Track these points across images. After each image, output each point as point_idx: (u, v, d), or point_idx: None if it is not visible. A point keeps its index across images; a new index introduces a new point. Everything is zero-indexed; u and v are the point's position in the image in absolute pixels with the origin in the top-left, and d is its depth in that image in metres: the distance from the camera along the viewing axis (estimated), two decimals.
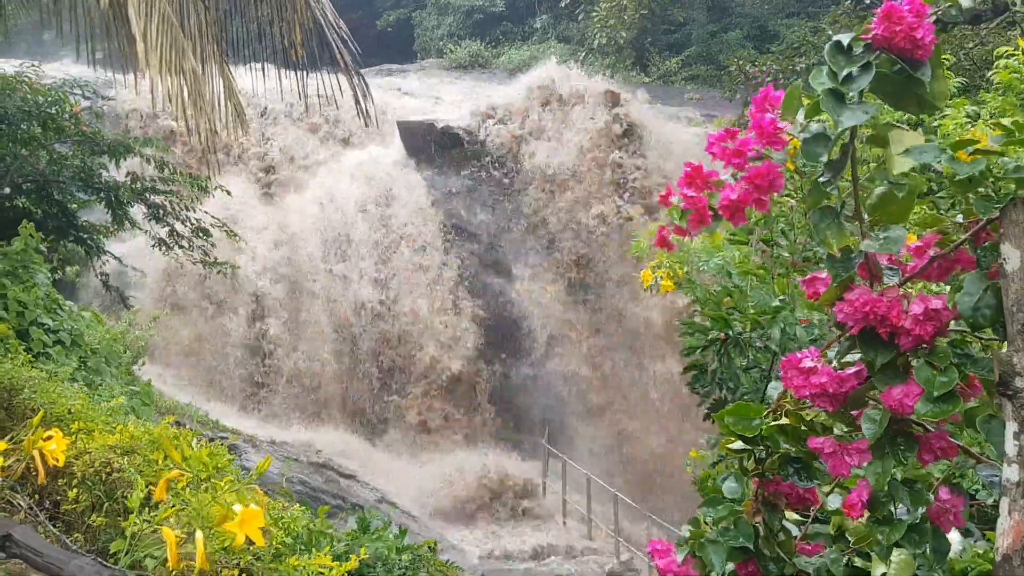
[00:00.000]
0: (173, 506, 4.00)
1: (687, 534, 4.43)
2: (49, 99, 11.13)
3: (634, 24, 31.44)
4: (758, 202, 1.55)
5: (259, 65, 11.42)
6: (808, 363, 1.51)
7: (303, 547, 4.55)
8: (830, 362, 1.55)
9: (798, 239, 3.92)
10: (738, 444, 1.73)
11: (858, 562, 1.85)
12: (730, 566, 1.91)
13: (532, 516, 17.57)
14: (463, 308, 20.41)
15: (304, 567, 3.82)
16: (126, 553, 3.11)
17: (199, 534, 2.66)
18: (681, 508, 18.02)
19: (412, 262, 20.63)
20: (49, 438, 3.19)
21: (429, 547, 5.56)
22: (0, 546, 2.86)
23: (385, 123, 22.94)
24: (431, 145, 22.25)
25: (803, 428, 1.63)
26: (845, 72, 1.50)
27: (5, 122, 10.73)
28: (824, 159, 1.46)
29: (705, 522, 1.93)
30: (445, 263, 20.70)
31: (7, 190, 11.48)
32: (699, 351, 3.38)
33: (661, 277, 5.27)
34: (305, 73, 8.88)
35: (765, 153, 1.55)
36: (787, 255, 3.93)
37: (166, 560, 3.11)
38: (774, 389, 1.73)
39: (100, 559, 3.95)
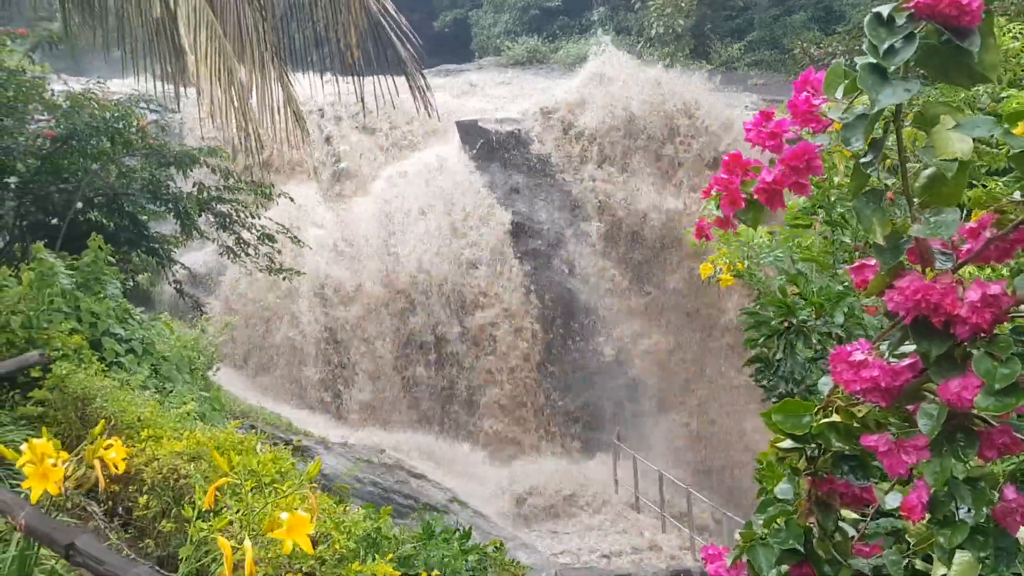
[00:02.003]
0: (238, 512, 4.05)
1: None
2: (116, 114, 11.42)
3: (692, 11, 31.01)
4: (796, 185, 1.47)
5: (316, 71, 11.56)
6: (858, 356, 1.42)
7: (366, 550, 4.56)
8: (882, 354, 1.45)
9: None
10: (788, 443, 1.65)
11: (919, 564, 1.75)
12: (783, 568, 1.83)
13: (604, 513, 17.45)
14: (529, 307, 20.38)
15: (366, 573, 3.83)
16: (184, 560, 3.15)
17: (247, 542, 2.66)
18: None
19: (476, 261, 20.66)
20: (109, 446, 3.23)
21: (495, 547, 5.53)
22: (64, 554, 2.91)
23: (444, 124, 23.05)
24: (490, 144, 22.26)
25: (855, 425, 1.53)
26: (887, 45, 1.40)
27: (75, 138, 11.05)
28: (859, 142, 1.37)
29: (757, 524, 1.85)
30: (509, 261, 20.68)
31: (80, 204, 11.84)
32: (762, 340, 3.26)
33: (721, 270, 5.15)
34: (362, 76, 8.90)
35: (802, 135, 1.47)
36: (849, 240, 3.76)
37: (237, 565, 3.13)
38: (824, 384, 1.64)
39: (159, 567, 4.02)
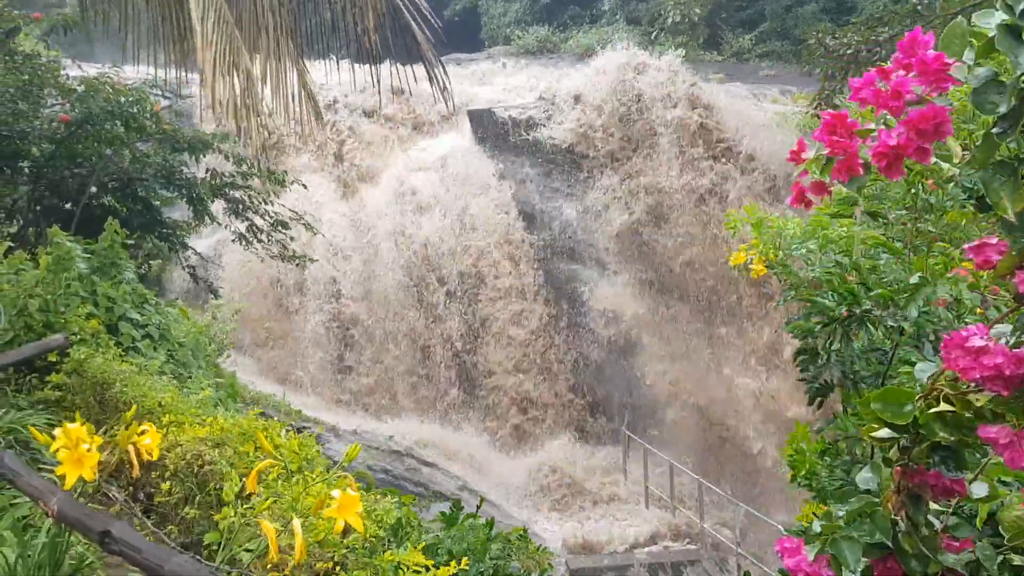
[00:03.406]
0: (266, 499, 3.99)
1: (801, 527, 4.22)
2: (130, 99, 11.34)
3: (707, 0, 30.86)
4: (919, 151, 1.37)
5: (331, 58, 11.44)
6: (977, 341, 1.34)
7: (391, 539, 4.50)
8: (999, 340, 1.37)
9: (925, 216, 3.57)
10: (884, 432, 1.57)
11: (1016, 559, 1.67)
12: (864, 562, 1.75)
13: (614, 503, 17.40)
14: (540, 295, 20.30)
15: (400, 563, 3.77)
16: (222, 547, 3.09)
17: (296, 522, 2.60)
18: (766, 494, 17.68)
19: (486, 250, 20.58)
20: (143, 432, 3.17)
21: (520, 535, 5.47)
22: (99, 542, 2.85)
23: (456, 112, 22.94)
24: (501, 133, 22.15)
25: (967, 416, 1.45)
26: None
27: (90, 122, 10.97)
28: (1003, 106, 1.28)
29: (838, 516, 1.77)
30: (520, 250, 20.59)
31: (94, 189, 11.78)
32: (820, 328, 3.17)
33: (753, 259, 5.07)
34: (379, 63, 8.81)
35: (927, 96, 1.37)
36: (932, 229, 3.62)
37: (264, 552, 3.08)
38: (922, 372, 1.56)
39: (198, 556, 3.97)
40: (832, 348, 3.13)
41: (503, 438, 19.36)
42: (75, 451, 2.97)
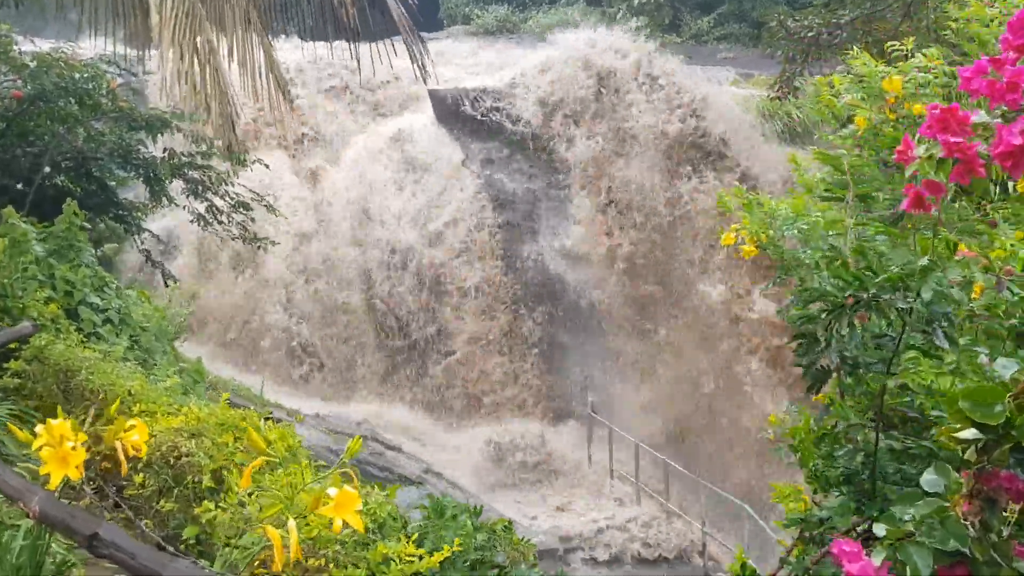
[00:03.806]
0: (250, 493, 3.83)
1: (800, 516, 4.14)
2: (85, 75, 10.96)
3: None
4: None
5: (291, 35, 11.17)
6: None
7: (376, 531, 4.38)
8: None
9: None
10: (970, 432, 1.48)
11: None
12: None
13: (578, 485, 17.43)
14: (502, 275, 20.19)
15: (391, 554, 3.65)
16: (223, 549, 2.94)
17: (292, 523, 2.47)
18: (730, 475, 17.82)
19: (449, 231, 20.40)
20: (131, 428, 3.01)
21: (504, 525, 5.38)
22: (87, 545, 2.68)
23: (418, 92, 22.64)
24: (463, 113, 21.90)
25: None
26: None
27: (43, 99, 10.59)
28: None
29: (903, 520, 1.69)
30: (484, 231, 20.43)
31: (47, 168, 11.38)
32: (824, 315, 3.09)
33: (744, 239, 5.02)
34: (356, 40, 8.58)
35: None
36: (935, 212, 3.60)
37: (263, 550, 2.94)
38: (1004, 368, 1.48)
39: (176, 552, 3.81)
40: (837, 335, 3.04)
41: (465, 419, 19.27)
42: (59, 449, 2.80)
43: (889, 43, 6.90)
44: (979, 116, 1.35)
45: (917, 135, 1.41)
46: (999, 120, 1.32)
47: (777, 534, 12.05)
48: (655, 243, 20.39)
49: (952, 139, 1.34)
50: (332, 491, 2.74)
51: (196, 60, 7.51)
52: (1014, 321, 3.65)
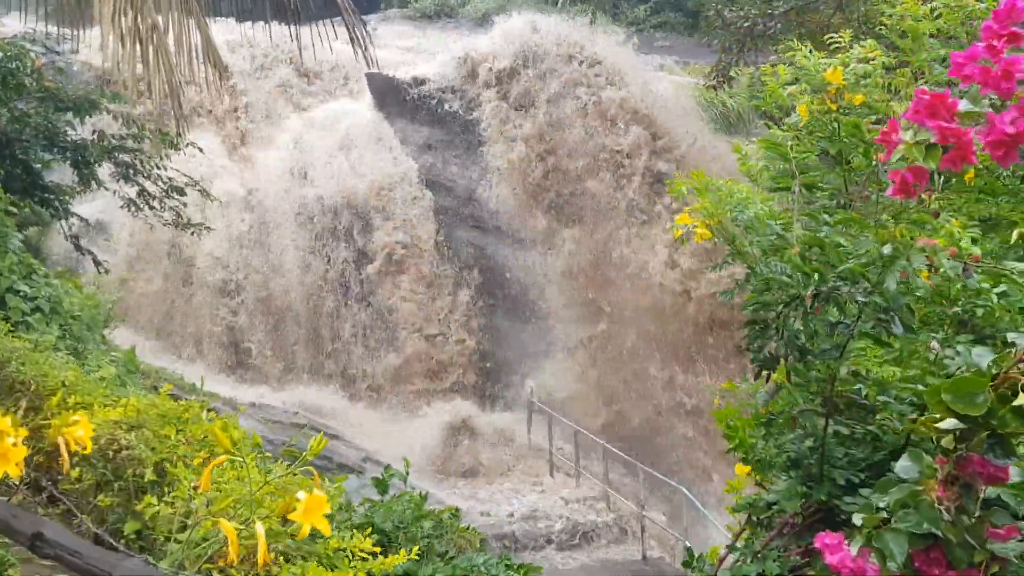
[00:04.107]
0: (195, 487, 3.73)
1: (747, 500, 4.18)
2: (8, 54, 10.52)
3: None
4: None
5: (228, 18, 10.89)
6: None
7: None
8: None
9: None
10: (950, 422, 1.50)
11: None
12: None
13: (518, 471, 17.49)
14: (442, 259, 20.09)
15: (343, 546, 3.60)
16: (183, 545, 2.85)
17: (259, 527, 2.40)
18: (667, 461, 18.06)
19: (387, 216, 20.21)
20: (75, 422, 2.89)
21: (451, 513, 5.36)
22: (29, 545, 2.57)
23: (352, 76, 22.37)
24: (401, 98, 21.69)
25: None
26: None
27: None
28: None
29: (880, 508, 1.70)
30: (421, 214, 20.29)
31: None
32: (782, 307, 3.12)
33: (696, 224, 5.04)
34: (297, 21, 8.40)
35: None
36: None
37: (219, 547, 2.86)
38: (980, 357, 1.50)
39: (98, 544, 3.69)
40: (793, 327, 3.08)
41: (405, 405, 19.15)
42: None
43: (828, 36, 7.03)
44: (966, 104, 1.35)
45: (903, 119, 1.41)
46: (988, 109, 1.33)
47: (721, 517, 12.28)
48: (595, 225, 20.52)
49: (946, 124, 1.34)
50: (301, 495, 2.67)
51: (137, 36, 7.29)
52: (957, 309, 3.74)
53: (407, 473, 6.00)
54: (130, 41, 7.35)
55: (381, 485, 5.45)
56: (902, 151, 1.36)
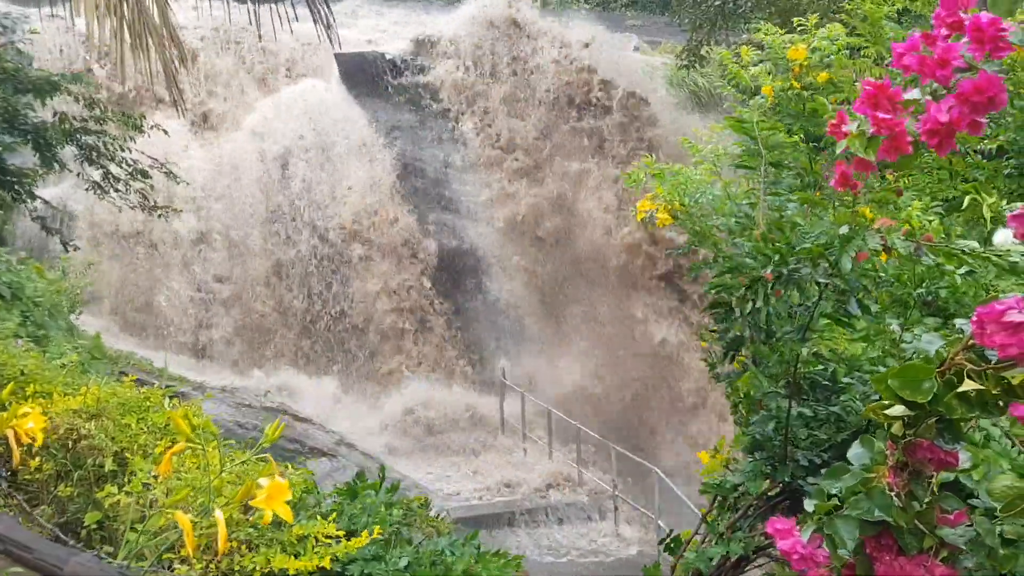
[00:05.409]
0: (155, 476, 3.68)
1: (715, 481, 4.19)
2: None
3: None
4: (973, 125, 1.27)
5: None
6: (1016, 316, 1.26)
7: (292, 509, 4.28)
8: None
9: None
10: (898, 409, 1.49)
11: (1009, 530, 1.64)
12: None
13: (492, 451, 17.52)
14: (411, 242, 20.00)
15: (307, 532, 3.57)
16: (135, 536, 2.80)
17: (219, 513, 2.37)
18: (646, 443, 18.18)
19: (356, 197, 20.06)
20: (26, 415, 2.83)
21: (420, 503, 5.33)
22: None
23: (320, 55, 22.11)
24: (371, 78, 21.49)
25: (994, 393, 1.38)
26: None
27: None
28: None
29: (832, 494, 1.70)
30: (392, 198, 20.17)
31: None
32: (744, 290, 3.11)
33: (657, 209, 5.03)
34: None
35: (977, 64, 1.26)
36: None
37: (170, 541, 2.82)
38: (929, 344, 1.49)
39: (60, 536, 3.64)
40: (754, 309, 3.07)
41: (377, 387, 19.10)
42: None
43: (796, 18, 7.06)
44: (913, 93, 1.33)
45: (851, 111, 1.39)
46: (930, 97, 1.31)
47: (691, 497, 12.39)
48: (562, 205, 20.52)
49: (881, 115, 1.32)
50: (264, 481, 2.63)
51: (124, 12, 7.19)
52: (921, 290, 3.75)
53: (384, 471, 5.94)
54: (117, 15, 7.24)
55: (355, 486, 5.38)
56: (845, 143, 1.35)
